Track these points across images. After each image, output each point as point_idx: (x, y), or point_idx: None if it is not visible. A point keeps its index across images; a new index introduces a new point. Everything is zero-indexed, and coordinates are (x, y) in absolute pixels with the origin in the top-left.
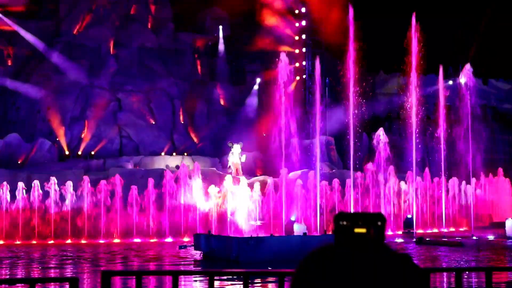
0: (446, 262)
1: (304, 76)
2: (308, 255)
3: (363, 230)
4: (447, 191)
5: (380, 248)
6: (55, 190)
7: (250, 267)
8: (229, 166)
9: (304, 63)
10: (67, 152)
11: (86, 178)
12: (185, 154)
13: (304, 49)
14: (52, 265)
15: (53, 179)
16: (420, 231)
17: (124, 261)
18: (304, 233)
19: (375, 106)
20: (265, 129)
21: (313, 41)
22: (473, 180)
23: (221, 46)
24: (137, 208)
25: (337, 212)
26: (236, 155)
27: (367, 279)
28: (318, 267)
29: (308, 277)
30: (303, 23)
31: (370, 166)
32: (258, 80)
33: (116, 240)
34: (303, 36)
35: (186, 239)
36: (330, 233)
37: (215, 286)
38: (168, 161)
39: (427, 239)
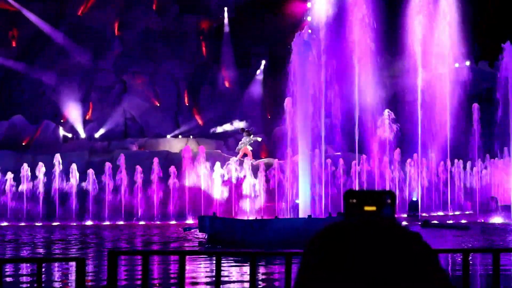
0: (452, 245)
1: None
2: (317, 233)
3: (373, 208)
4: (451, 173)
5: (390, 226)
6: (60, 172)
7: (256, 249)
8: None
9: None
10: (71, 134)
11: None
12: (190, 136)
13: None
14: (57, 247)
15: (58, 160)
16: (425, 214)
17: (129, 242)
18: (309, 216)
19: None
20: (270, 111)
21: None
22: (479, 161)
23: (226, 29)
24: (142, 190)
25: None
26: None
27: (378, 257)
28: (328, 246)
29: (312, 262)
30: (308, 4)
31: (375, 148)
32: (263, 62)
33: (120, 222)
34: (309, 19)
35: (190, 221)
36: (335, 216)
37: (221, 268)
38: (172, 143)
39: (433, 222)
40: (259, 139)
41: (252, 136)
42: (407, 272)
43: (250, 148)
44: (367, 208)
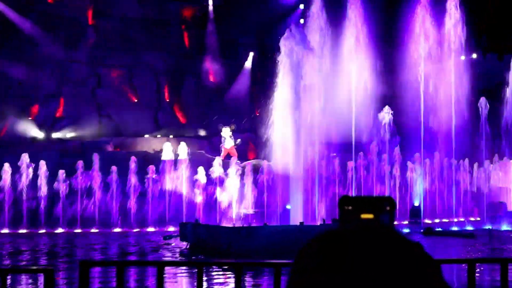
0: (456, 254)
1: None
2: (309, 241)
3: (370, 216)
4: (456, 175)
5: (389, 235)
6: (28, 174)
7: (241, 259)
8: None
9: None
10: (41, 133)
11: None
12: (171, 135)
13: (301, 20)
14: (25, 257)
15: (25, 161)
16: (428, 221)
17: (103, 252)
18: (301, 222)
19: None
20: (258, 107)
21: None
22: (487, 163)
23: (211, 17)
24: (118, 194)
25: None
26: (228, 140)
27: (375, 268)
28: (326, 249)
29: (309, 266)
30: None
31: (373, 146)
32: (251, 54)
33: (95, 230)
34: (301, 6)
35: (171, 229)
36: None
37: (204, 280)
38: (151, 143)
39: (437, 229)
40: (238, 141)
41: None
42: (406, 284)
43: (232, 142)
44: (364, 215)
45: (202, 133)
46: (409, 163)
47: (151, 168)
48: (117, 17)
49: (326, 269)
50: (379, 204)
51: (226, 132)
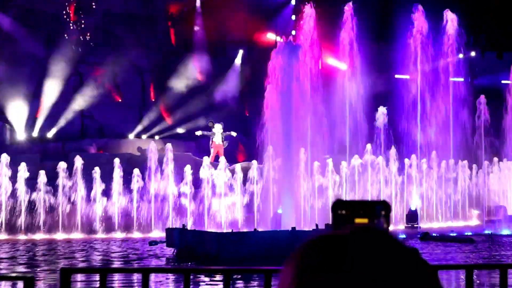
0: (454, 260)
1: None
2: (300, 246)
3: (365, 220)
4: (454, 177)
5: (384, 240)
6: (6, 177)
7: (231, 265)
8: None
9: (293, 32)
10: (20, 134)
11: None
12: (156, 137)
13: (293, 17)
14: (3, 264)
15: (5, 163)
16: (425, 225)
17: (86, 258)
18: (293, 227)
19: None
20: (248, 108)
21: None
22: (486, 164)
23: (199, 12)
24: (101, 198)
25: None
26: (218, 137)
27: (370, 275)
28: (325, 249)
29: (300, 272)
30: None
31: (368, 148)
32: (240, 51)
33: (78, 236)
34: (292, 1)
35: (157, 234)
36: (323, 228)
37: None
38: (136, 145)
39: (433, 234)
40: (234, 134)
41: (214, 127)
42: None
43: (220, 143)
44: (358, 220)
45: (180, 131)
46: (405, 165)
47: (136, 171)
48: (100, 13)
49: (327, 269)
50: (374, 208)
51: (218, 128)
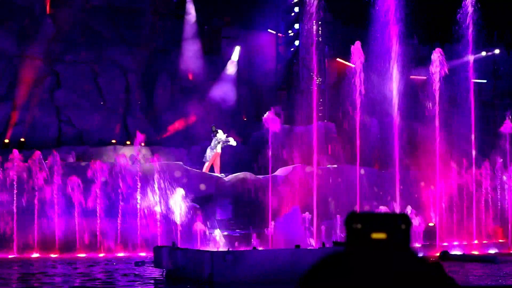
0: (477, 282)
1: (296, 43)
2: (311, 267)
3: (382, 236)
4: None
5: (405, 257)
6: None
7: None
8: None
9: (296, 26)
10: None
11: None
12: (142, 144)
13: (296, 9)
14: None
15: None
16: (444, 243)
17: (65, 280)
18: (297, 245)
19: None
20: (245, 113)
21: None
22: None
23: (189, 5)
24: (81, 213)
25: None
26: (219, 144)
27: None
28: (326, 282)
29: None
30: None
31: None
32: (237, 48)
33: (53, 255)
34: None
35: (143, 253)
36: (330, 246)
37: None
38: (120, 153)
39: (454, 253)
40: (234, 143)
41: (217, 132)
42: None
43: (219, 152)
44: (375, 235)
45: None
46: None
47: (119, 182)
48: (79, 6)
49: None
50: (392, 222)
51: (221, 134)
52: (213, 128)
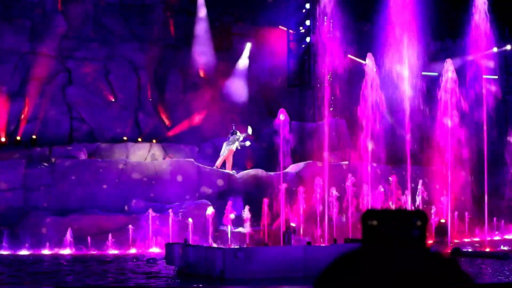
0: (490, 278)
1: (307, 39)
2: (328, 266)
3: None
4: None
5: (421, 254)
6: None
7: (237, 286)
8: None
9: (307, 22)
10: (2, 138)
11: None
12: (154, 140)
13: (307, 5)
14: None
15: None
16: (456, 240)
17: (76, 277)
18: (308, 243)
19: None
20: (256, 109)
21: None
22: None
23: (201, 1)
24: (93, 211)
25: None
26: (235, 144)
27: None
28: (343, 281)
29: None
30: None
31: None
32: (248, 45)
33: (67, 251)
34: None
35: (155, 250)
36: (342, 243)
37: None
38: (132, 150)
39: (466, 249)
40: (247, 143)
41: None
42: None
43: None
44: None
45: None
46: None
47: (133, 180)
48: (90, 2)
49: None
50: (408, 219)
51: (240, 135)
52: (234, 128)
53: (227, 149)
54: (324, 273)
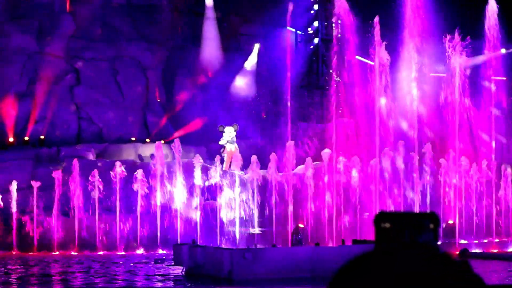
0: (498, 280)
1: (315, 41)
2: (341, 268)
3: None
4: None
5: (433, 256)
6: None
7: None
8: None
9: (316, 23)
10: (11, 138)
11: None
12: (162, 141)
13: (316, 6)
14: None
15: None
16: (463, 241)
17: (85, 277)
18: (316, 244)
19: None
20: (265, 110)
21: None
22: None
23: (209, 2)
24: (101, 211)
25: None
26: (232, 142)
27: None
28: (356, 283)
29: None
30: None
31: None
32: (256, 46)
33: (73, 252)
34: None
35: (163, 251)
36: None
37: None
38: (140, 150)
39: (473, 251)
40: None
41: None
42: None
43: (232, 150)
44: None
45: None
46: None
47: (139, 180)
48: (98, 3)
49: None
50: (421, 221)
51: (229, 132)
52: (220, 128)
53: (229, 149)
54: (337, 274)
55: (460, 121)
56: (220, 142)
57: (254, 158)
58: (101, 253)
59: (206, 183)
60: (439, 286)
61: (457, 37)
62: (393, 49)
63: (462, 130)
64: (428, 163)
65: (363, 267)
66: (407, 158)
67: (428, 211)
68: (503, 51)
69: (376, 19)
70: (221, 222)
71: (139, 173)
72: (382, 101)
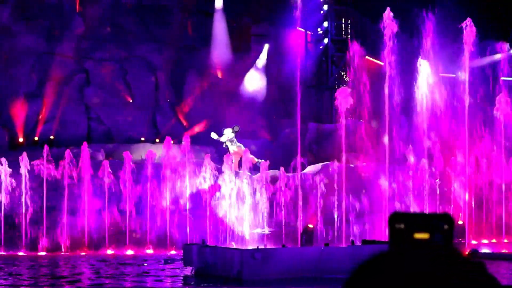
0: (508, 281)
1: (325, 41)
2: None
3: (425, 236)
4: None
5: (448, 257)
6: (7, 187)
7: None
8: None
9: (325, 24)
10: (20, 138)
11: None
12: (172, 141)
13: (325, 7)
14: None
15: (3, 169)
16: (473, 241)
17: (96, 276)
18: (326, 244)
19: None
20: (274, 110)
21: None
22: None
23: (218, 2)
24: (111, 211)
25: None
26: (233, 143)
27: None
28: (372, 283)
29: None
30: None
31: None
32: (266, 46)
33: (82, 252)
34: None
35: (172, 251)
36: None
37: None
38: (149, 150)
39: (483, 251)
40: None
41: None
42: None
43: (237, 150)
44: (418, 235)
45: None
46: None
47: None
48: (108, 4)
49: None
50: (435, 222)
51: (227, 134)
52: (235, 129)
53: (232, 150)
54: (353, 274)
55: (474, 122)
56: (221, 139)
57: (263, 161)
58: (110, 252)
59: (219, 182)
60: (455, 287)
61: (472, 36)
62: (404, 50)
63: (473, 132)
64: (437, 165)
65: (379, 267)
66: (417, 158)
67: (441, 212)
68: None
69: (387, 15)
70: (231, 222)
71: (148, 173)
72: (393, 102)
